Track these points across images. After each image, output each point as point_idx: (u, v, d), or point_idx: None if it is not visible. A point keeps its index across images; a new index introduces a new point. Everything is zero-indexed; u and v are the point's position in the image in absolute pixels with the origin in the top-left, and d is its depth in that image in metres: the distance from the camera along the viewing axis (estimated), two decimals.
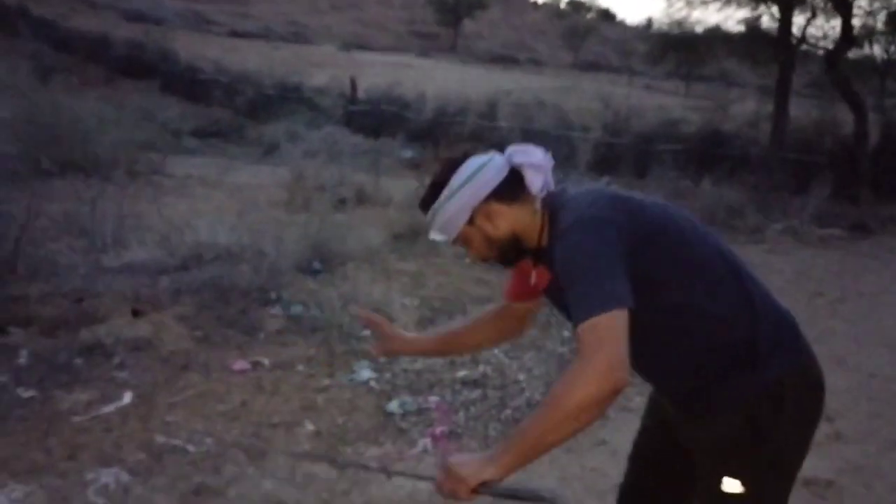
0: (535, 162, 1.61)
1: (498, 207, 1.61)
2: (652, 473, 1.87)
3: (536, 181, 1.60)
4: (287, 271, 5.31)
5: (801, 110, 14.02)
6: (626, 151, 13.51)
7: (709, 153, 12.81)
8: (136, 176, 9.37)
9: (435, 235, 1.68)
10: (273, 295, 4.92)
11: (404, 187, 9.80)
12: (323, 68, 22.65)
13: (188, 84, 19.39)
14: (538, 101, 17.54)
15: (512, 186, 1.61)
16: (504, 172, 1.61)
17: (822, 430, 3.56)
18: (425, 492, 2.94)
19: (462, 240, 1.67)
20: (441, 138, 15.28)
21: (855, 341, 5.01)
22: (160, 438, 3.20)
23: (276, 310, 4.76)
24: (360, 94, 17.28)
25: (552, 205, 1.61)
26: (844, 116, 12.61)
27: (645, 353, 1.55)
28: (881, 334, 5.21)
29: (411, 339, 2.02)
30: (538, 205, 1.62)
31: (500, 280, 5.64)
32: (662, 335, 1.59)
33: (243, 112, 17.58)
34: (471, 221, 1.62)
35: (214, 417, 3.44)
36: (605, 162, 12.99)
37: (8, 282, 4.44)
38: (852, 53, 13.61)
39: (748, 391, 1.58)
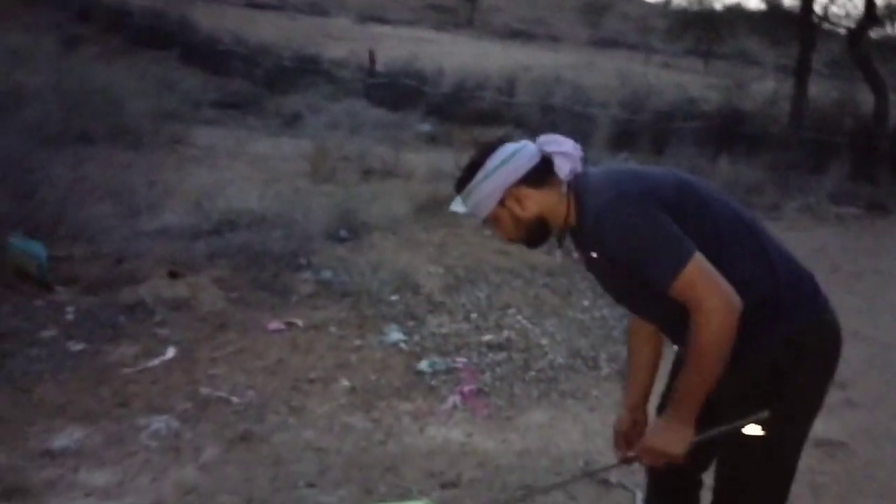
0: (564, 151, 1.75)
1: (527, 191, 1.73)
2: None
3: (565, 168, 1.74)
4: (316, 238, 5.47)
5: (820, 90, 13.99)
6: (643, 128, 13.54)
7: (727, 131, 12.82)
8: (161, 145, 9.54)
9: (458, 208, 1.82)
10: (304, 260, 5.09)
11: (424, 161, 9.94)
12: (340, 41, 22.66)
13: (207, 55, 19.47)
14: (556, 77, 17.54)
15: (541, 172, 1.74)
16: (535, 159, 1.74)
17: (836, 396, 3.73)
18: (456, 443, 3.12)
19: (492, 219, 1.80)
20: (459, 113, 15.37)
21: (870, 315, 5.13)
22: (204, 390, 3.39)
23: (307, 275, 4.93)
24: (378, 67, 17.34)
25: (577, 187, 1.73)
26: (865, 97, 12.59)
27: (673, 317, 1.70)
28: (894, 309, 5.33)
29: (633, 407, 1.99)
30: (564, 188, 1.75)
31: (521, 251, 5.82)
32: (680, 308, 1.65)
33: (262, 83, 17.65)
34: (502, 203, 1.75)
35: (254, 372, 3.62)
36: (623, 138, 13.03)
37: (52, 243, 4.61)
38: (874, 33, 13.56)
39: (771, 343, 1.69)
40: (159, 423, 3.05)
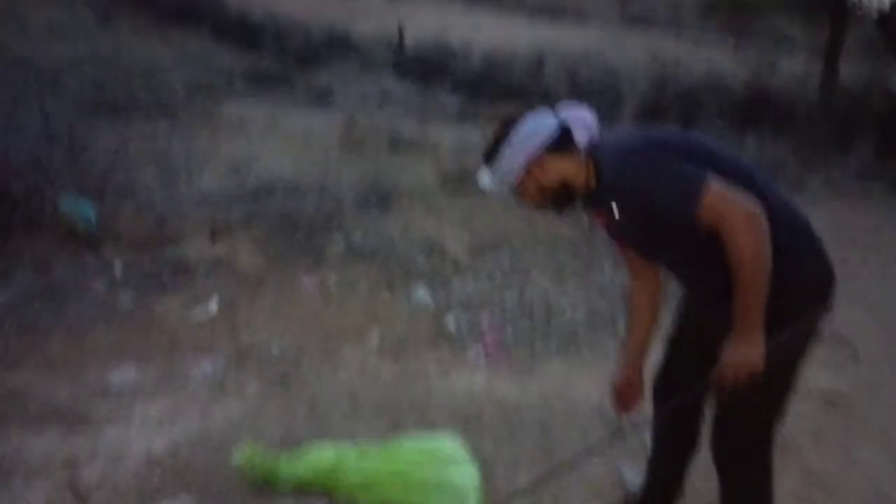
0: (581, 119, 1.94)
1: (550, 158, 1.90)
2: (681, 357, 2.21)
3: (583, 136, 1.93)
4: (347, 204, 5.70)
5: (852, 70, 13.88)
6: (671, 105, 13.57)
7: (755, 109, 12.83)
8: (196, 116, 9.81)
9: (490, 183, 1.98)
10: (335, 224, 5.32)
11: (452, 135, 10.14)
12: (369, 16, 22.79)
13: (238, 30, 19.71)
14: (584, 53, 17.55)
15: (562, 141, 1.91)
16: (556, 129, 1.92)
17: (842, 353, 3.90)
18: (478, 388, 3.34)
19: (519, 188, 1.96)
20: (487, 89, 15.49)
21: (881, 284, 5.27)
22: (245, 337, 3.65)
23: (339, 237, 5.17)
24: (407, 43, 17.47)
25: (594, 153, 1.92)
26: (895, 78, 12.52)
27: (682, 264, 1.89)
28: None
29: (632, 365, 2.19)
30: (583, 154, 1.93)
31: (543, 219, 6.01)
32: (696, 249, 1.86)
33: (292, 59, 17.86)
34: (527, 171, 1.92)
35: (290, 323, 3.86)
36: (651, 115, 13.07)
37: (99, 204, 4.88)
38: None
39: (770, 285, 1.86)
40: (206, 364, 3.32)
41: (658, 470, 2.32)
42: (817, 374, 3.67)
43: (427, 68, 16.17)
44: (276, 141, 8.96)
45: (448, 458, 2.41)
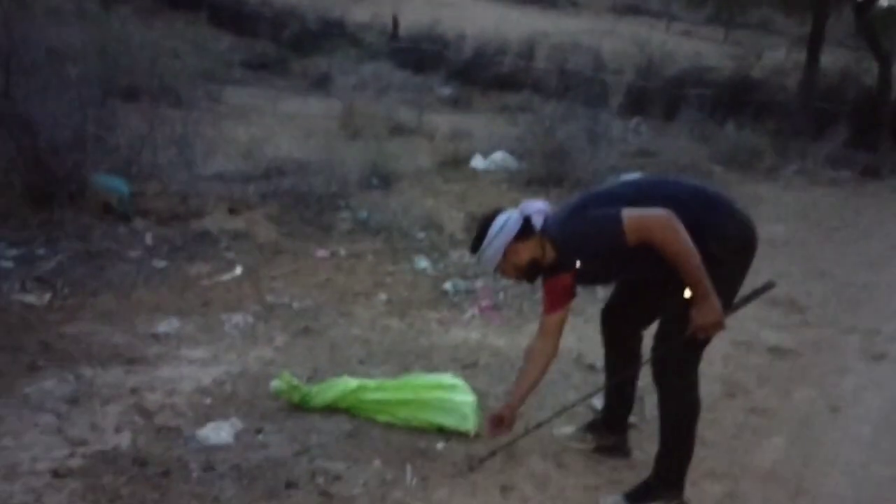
0: (538, 209, 2.52)
1: (519, 244, 2.47)
2: (630, 297, 2.73)
3: (539, 221, 2.51)
4: (351, 185, 6.20)
5: (833, 60, 14.40)
6: (656, 94, 14.08)
7: (737, 98, 13.34)
8: (198, 102, 10.21)
9: (479, 264, 2.59)
10: (342, 202, 5.82)
11: (446, 121, 10.62)
12: (363, 4, 23.15)
13: (234, 17, 20.08)
14: (575, 43, 18.01)
15: (525, 229, 2.47)
16: (521, 221, 2.50)
17: (794, 318, 4.46)
18: (475, 340, 3.85)
19: (499, 268, 2.55)
20: (479, 77, 15.96)
21: (839, 260, 5.81)
22: (269, 297, 4.14)
23: (346, 214, 5.67)
24: (401, 31, 17.89)
25: (547, 231, 2.49)
26: (873, 67, 13.03)
27: (637, 272, 2.49)
28: (863, 256, 6.01)
29: (512, 407, 2.68)
30: (540, 235, 2.49)
31: (530, 198, 6.50)
32: (641, 258, 2.33)
33: (288, 45, 18.24)
34: (504, 256, 2.48)
35: (307, 287, 4.36)
36: (636, 104, 13.60)
37: (129, 181, 5.35)
38: (887, 1, 13.95)
39: (705, 246, 2.36)
40: (237, 318, 3.81)
41: (613, 391, 2.84)
42: (768, 332, 4.21)
43: (421, 56, 16.61)
44: (277, 126, 9.42)
45: (450, 386, 2.92)
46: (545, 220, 2.50)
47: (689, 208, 2.32)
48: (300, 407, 2.93)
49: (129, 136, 5.86)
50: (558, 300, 2.56)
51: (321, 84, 13.91)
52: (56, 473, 2.42)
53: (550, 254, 2.48)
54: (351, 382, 2.94)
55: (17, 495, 2.30)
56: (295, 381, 2.94)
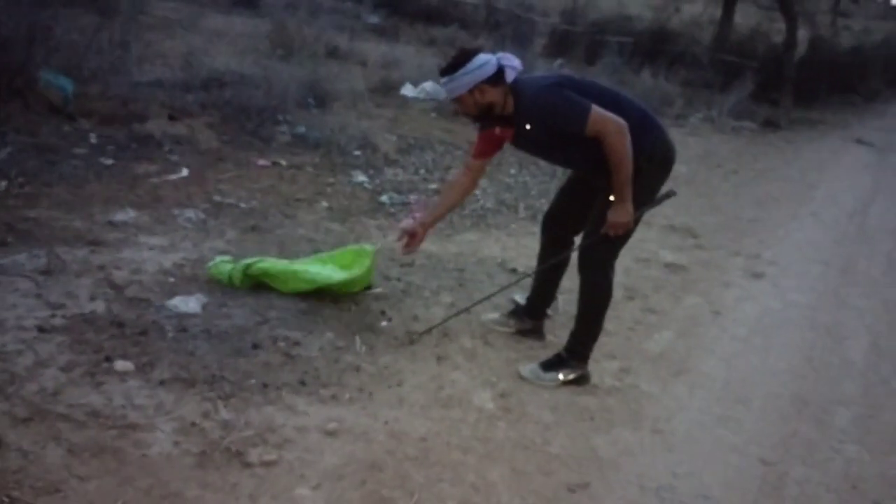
0: (513, 65, 2.85)
1: (487, 87, 2.77)
2: (568, 201, 3.17)
3: (511, 75, 2.83)
4: (289, 102, 6.40)
5: (746, 17, 15.14)
6: (579, 39, 14.53)
7: (654, 48, 13.94)
8: (126, 13, 10.02)
9: (441, 88, 2.89)
10: (281, 117, 6.05)
11: (375, 48, 10.78)
12: None
13: None
14: None
15: (497, 76, 2.80)
16: (496, 67, 2.81)
17: (689, 241, 5.02)
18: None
19: (459, 99, 2.82)
20: (407, 8, 16.01)
21: (733, 197, 6.47)
22: (217, 197, 4.40)
23: (284, 128, 5.91)
24: None
25: (514, 88, 2.83)
26: (782, 26, 13.82)
27: (573, 159, 2.86)
28: (755, 194, 6.69)
29: (424, 224, 3.12)
30: (507, 88, 2.82)
31: (458, 128, 6.89)
32: (583, 149, 2.76)
33: None
34: (469, 92, 2.80)
35: (252, 191, 4.64)
36: (560, 47, 14.02)
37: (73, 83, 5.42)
38: None
39: (636, 160, 2.81)
40: (189, 213, 4.07)
41: (538, 286, 3.31)
42: (666, 252, 4.78)
43: None
44: (202, 42, 9.37)
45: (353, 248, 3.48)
46: (515, 78, 2.81)
47: (635, 123, 2.73)
48: (231, 283, 3.27)
49: (70, 39, 5.89)
50: (487, 149, 3.01)
51: (245, 2, 13.70)
52: (42, 329, 2.71)
53: (509, 106, 2.80)
54: (269, 259, 3.38)
55: (9, 345, 2.58)
56: (223, 264, 3.33)
